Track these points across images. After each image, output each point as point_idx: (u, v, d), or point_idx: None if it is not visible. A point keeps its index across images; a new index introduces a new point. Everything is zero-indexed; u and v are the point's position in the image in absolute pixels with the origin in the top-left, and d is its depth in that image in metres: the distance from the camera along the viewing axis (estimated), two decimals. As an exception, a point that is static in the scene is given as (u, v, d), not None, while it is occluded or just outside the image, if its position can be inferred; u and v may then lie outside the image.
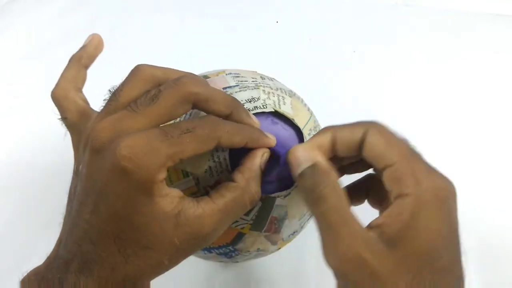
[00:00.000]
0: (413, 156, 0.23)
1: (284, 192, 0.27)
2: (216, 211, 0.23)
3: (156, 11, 0.69)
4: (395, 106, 0.54)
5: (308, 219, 0.32)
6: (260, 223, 0.28)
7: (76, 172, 0.26)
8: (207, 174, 0.26)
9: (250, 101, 0.28)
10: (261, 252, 0.31)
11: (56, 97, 0.30)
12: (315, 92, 0.43)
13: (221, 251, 0.29)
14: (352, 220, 0.22)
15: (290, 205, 0.28)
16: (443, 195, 0.22)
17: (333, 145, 0.25)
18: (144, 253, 0.22)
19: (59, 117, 0.30)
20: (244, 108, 0.26)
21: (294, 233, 0.31)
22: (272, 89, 0.30)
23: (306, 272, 0.41)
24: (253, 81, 0.31)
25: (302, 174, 0.24)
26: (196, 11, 0.69)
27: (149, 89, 0.24)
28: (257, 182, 0.25)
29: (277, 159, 0.27)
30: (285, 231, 0.30)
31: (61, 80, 0.31)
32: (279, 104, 0.29)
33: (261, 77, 0.32)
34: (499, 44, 0.63)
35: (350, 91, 0.56)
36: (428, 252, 0.21)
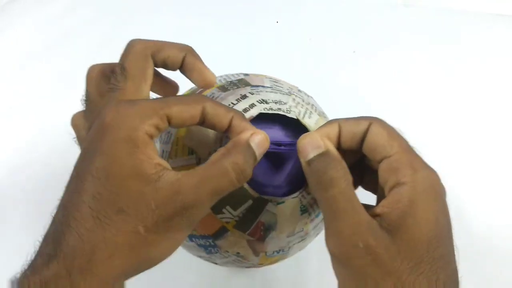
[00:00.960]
0: (412, 149, 0.24)
1: (277, 198, 0.27)
2: (195, 175, 0.22)
3: (156, 11, 0.69)
4: (395, 106, 0.54)
5: (298, 242, 0.30)
6: (246, 223, 0.27)
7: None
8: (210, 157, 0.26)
9: (276, 103, 0.28)
10: (240, 259, 0.30)
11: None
12: (315, 92, 0.43)
13: (201, 242, 0.29)
14: (360, 207, 0.23)
15: (281, 215, 0.27)
16: (438, 188, 0.23)
17: (339, 136, 0.25)
18: (117, 217, 0.21)
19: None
20: (198, 54, 0.28)
21: (280, 251, 0.30)
22: (303, 101, 0.30)
23: (307, 273, 0.41)
24: (288, 89, 0.31)
25: (312, 160, 0.24)
26: (196, 11, 0.69)
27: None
28: (245, 156, 0.23)
29: (281, 165, 0.27)
30: (271, 243, 0.29)
31: None
32: (304, 115, 0.29)
33: (298, 90, 0.32)
34: (499, 44, 0.63)
35: (350, 91, 0.55)
36: (427, 240, 0.22)
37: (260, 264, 0.31)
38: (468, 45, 0.63)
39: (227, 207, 0.26)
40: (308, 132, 0.25)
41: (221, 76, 0.32)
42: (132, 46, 0.28)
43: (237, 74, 0.33)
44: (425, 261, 0.21)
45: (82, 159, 0.23)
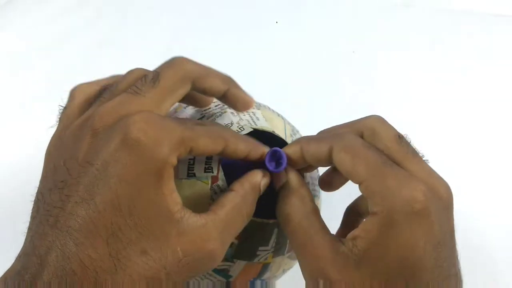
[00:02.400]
0: (384, 168, 0.21)
1: None
2: (219, 221, 0.21)
3: (156, 11, 0.69)
4: (394, 107, 0.54)
5: None
6: (281, 248, 0.27)
7: (47, 174, 0.23)
8: None
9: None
10: (286, 271, 0.30)
11: None
12: (314, 93, 0.43)
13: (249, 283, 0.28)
14: (320, 239, 0.22)
15: None
16: (420, 207, 0.20)
17: (303, 158, 0.24)
18: (140, 260, 0.19)
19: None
20: (238, 84, 0.26)
21: None
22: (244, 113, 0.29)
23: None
24: (216, 106, 0.29)
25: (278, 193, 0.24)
26: (195, 11, 0.69)
27: (146, 74, 0.23)
28: (254, 197, 0.24)
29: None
30: None
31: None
32: (254, 121, 0.27)
33: None
34: (499, 45, 0.63)
35: (349, 92, 0.55)
36: (400, 268, 0.20)
37: None
38: (468, 45, 0.63)
39: (259, 248, 0.26)
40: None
41: None
42: (176, 64, 0.24)
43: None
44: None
45: (94, 176, 0.19)
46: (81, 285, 0.18)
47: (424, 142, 0.48)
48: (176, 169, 0.21)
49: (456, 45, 0.63)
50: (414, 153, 0.23)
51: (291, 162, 0.25)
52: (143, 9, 0.70)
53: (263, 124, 0.28)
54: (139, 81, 0.22)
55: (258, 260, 0.26)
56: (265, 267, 0.27)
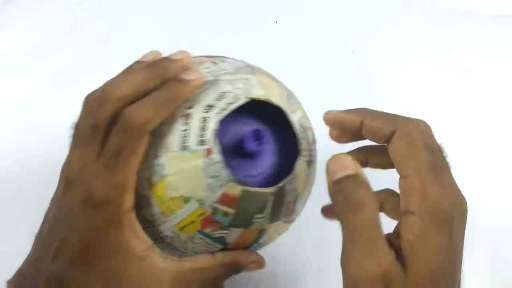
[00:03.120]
0: (429, 172, 0.23)
1: (290, 176, 0.26)
2: (180, 272, 0.23)
3: (155, 11, 0.69)
4: (394, 107, 0.54)
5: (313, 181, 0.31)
6: (277, 214, 0.27)
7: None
8: (208, 192, 0.24)
9: (218, 100, 0.25)
10: (282, 234, 0.31)
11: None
12: (313, 92, 0.43)
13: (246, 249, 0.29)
14: (383, 238, 0.22)
15: (299, 184, 0.27)
16: (448, 216, 0.22)
17: (359, 129, 0.25)
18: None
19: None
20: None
21: (305, 202, 0.31)
22: (232, 74, 0.27)
23: (305, 268, 0.41)
24: (209, 72, 0.27)
25: (339, 181, 0.23)
26: (195, 11, 0.69)
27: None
28: (226, 273, 0.26)
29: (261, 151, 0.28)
30: (299, 207, 0.30)
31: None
32: (248, 90, 0.26)
33: (213, 62, 0.29)
34: (499, 45, 0.63)
35: (348, 91, 0.55)
36: (430, 274, 0.22)
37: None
38: (468, 45, 0.63)
39: (255, 215, 0.26)
40: (338, 154, 0.24)
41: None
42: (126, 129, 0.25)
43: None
44: None
45: (66, 227, 0.24)
46: None
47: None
48: (171, 140, 0.24)
49: (456, 45, 0.63)
50: (450, 165, 0.25)
51: (343, 130, 0.26)
52: (142, 9, 0.70)
53: (258, 92, 0.26)
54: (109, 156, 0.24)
55: (255, 227, 0.26)
56: (261, 232, 0.27)
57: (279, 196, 0.26)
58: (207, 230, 0.25)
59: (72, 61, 0.58)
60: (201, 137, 0.24)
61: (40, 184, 0.46)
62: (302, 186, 0.28)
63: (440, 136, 0.52)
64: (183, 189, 0.24)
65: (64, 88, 0.55)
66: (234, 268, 0.26)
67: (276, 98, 0.27)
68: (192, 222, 0.25)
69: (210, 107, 0.25)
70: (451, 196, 0.23)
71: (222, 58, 0.31)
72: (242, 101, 0.26)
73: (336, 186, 0.23)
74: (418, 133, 0.24)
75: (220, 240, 0.26)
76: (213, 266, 0.25)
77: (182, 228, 0.25)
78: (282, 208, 0.27)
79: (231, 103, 0.25)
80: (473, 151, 0.49)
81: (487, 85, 0.57)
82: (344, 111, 0.26)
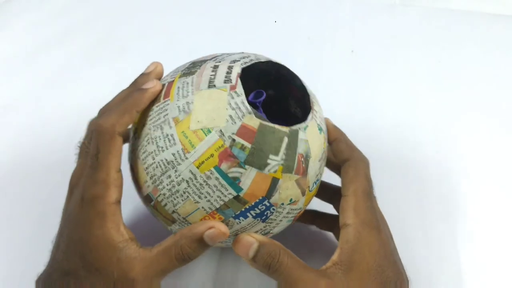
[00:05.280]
0: (364, 195, 0.29)
1: (303, 124, 0.28)
2: (148, 258, 0.26)
3: (155, 11, 0.69)
4: (393, 107, 0.54)
5: (323, 164, 0.32)
6: (290, 164, 0.28)
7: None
8: (229, 123, 0.26)
9: (242, 58, 0.30)
10: (293, 208, 0.30)
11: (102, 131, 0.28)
12: (313, 92, 0.43)
13: (257, 210, 0.28)
14: (309, 272, 0.27)
15: (311, 140, 0.29)
16: (377, 225, 0.29)
17: (331, 142, 0.32)
18: (94, 275, 0.25)
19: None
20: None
21: (316, 181, 0.31)
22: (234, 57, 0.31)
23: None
24: (212, 59, 0.31)
25: (255, 255, 0.27)
26: (195, 11, 0.69)
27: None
28: (189, 243, 0.27)
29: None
30: (311, 173, 0.29)
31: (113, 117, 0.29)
32: (257, 57, 0.31)
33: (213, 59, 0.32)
34: (499, 45, 0.63)
35: (348, 91, 0.56)
36: (375, 268, 0.27)
37: (305, 206, 0.32)
38: (467, 45, 0.63)
39: (270, 156, 0.27)
40: (237, 237, 0.28)
41: (172, 72, 0.32)
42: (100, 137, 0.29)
43: (182, 65, 0.33)
44: (375, 284, 0.27)
45: (65, 222, 0.28)
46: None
47: (423, 141, 0.49)
48: (199, 80, 0.28)
49: (455, 45, 0.63)
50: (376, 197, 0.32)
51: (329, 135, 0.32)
52: (142, 8, 0.70)
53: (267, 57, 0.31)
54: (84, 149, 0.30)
55: (269, 171, 0.27)
56: (274, 182, 0.28)
57: (293, 141, 0.28)
58: (224, 167, 0.26)
59: (70, 61, 0.58)
60: (227, 77, 0.28)
61: (36, 183, 0.46)
62: (313, 146, 0.29)
63: (439, 134, 0.52)
64: (206, 121, 0.27)
65: (64, 88, 0.55)
66: (196, 239, 0.27)
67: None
68: (211, 156, 0.26)
69: (234, 61, 0.29)
70: (378, 214, 0.30)
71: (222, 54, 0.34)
72: (263, 59, 0.30)
73: (255, 261, 0.27)
74: (364, 166, 0.31)
75: (235, 183, 0.27)
76: (175, 241, 0.26)
77: (200, 165, 0.26)
78: (295, 158, 0.28)
79: (252, 60, 0.30)
80: (473, 151, 0.49)
81: (486, 85, 0.57)
82: (333, 124, 0.33)
